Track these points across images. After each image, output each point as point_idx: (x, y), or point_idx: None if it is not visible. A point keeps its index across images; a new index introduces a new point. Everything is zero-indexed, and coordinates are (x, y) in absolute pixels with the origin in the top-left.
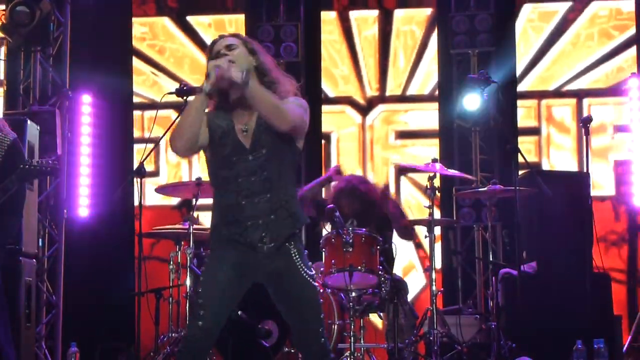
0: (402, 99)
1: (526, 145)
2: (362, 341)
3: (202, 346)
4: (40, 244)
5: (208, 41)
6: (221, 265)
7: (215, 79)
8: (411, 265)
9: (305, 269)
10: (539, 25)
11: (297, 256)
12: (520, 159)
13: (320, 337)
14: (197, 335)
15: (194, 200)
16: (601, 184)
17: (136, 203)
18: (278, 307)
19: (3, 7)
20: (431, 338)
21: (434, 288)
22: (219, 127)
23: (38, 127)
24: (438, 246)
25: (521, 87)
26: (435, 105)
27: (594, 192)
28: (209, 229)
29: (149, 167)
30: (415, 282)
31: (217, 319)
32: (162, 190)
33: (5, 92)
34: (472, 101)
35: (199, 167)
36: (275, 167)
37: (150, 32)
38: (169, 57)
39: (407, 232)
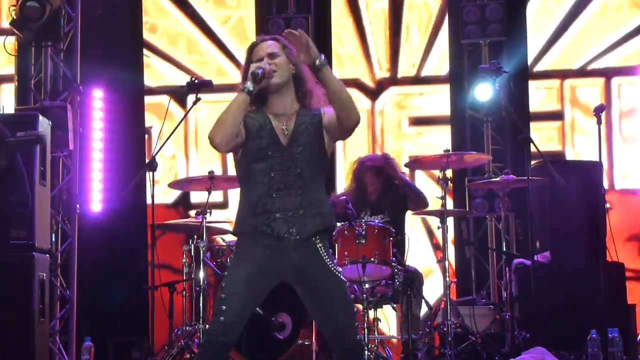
0: (416, 80)
1: (548, 132)
2: (376, 333)
3: (224, 341)
4: (53, 239)
5: (206, 17)
6: (246, 261)
7: (262, 76)
8: (429, 270)
9: (333, 264)
10: None
11: (324, 251)
12: (533, 149)
13: (353, 332)
14: (218, 330)
15: (207, 193)
16: (632, 175)
17: (148, 197)
18: (308, 307)
19: (13, 2)
20: (445, 329)
21: (447, 279)
22: (256, 121)
23: (50, 123)
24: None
25: (541, 66)
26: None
27: (623, 184)
28: (235, 223)
29: None
30: (435, 287)
31: (240, 315)
32: (175, 185)
33: (17, 88)
34: (483, 91)
35: (197, 160)
36: (308, 166)
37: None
38: (161, 35)
39: (420, 200)
